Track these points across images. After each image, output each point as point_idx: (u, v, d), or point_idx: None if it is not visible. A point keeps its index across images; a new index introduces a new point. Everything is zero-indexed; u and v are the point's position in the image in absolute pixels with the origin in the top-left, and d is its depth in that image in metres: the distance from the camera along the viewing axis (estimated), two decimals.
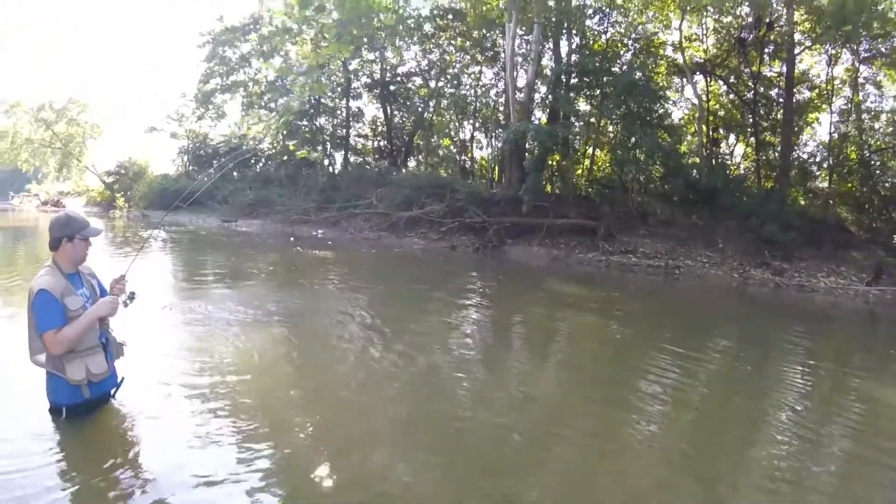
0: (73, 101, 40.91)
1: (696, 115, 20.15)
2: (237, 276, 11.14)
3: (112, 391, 3.77)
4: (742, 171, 21.26)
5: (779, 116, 19.73)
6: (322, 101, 28.48)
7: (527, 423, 4.16)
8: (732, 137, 22.32)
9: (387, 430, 3.88)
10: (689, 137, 21.03)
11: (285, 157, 29.79)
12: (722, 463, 3.72)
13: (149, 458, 3.31)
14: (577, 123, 19.90)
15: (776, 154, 20.09)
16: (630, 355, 6.17)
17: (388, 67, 28.74)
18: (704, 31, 21.11)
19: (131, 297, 3.55)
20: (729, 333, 8.08)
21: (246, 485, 3.07)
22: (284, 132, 24.36)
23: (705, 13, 19.82)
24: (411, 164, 29.43)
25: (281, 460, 3.36)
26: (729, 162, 21.68)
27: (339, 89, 28.43)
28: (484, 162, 27.75)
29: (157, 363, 4.79)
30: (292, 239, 19.56)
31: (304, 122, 28.51)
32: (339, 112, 29.31)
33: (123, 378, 3.80)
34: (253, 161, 32.31)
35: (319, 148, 29.77)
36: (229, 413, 3.94)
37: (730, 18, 19.92)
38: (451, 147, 28.49)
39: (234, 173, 31.86)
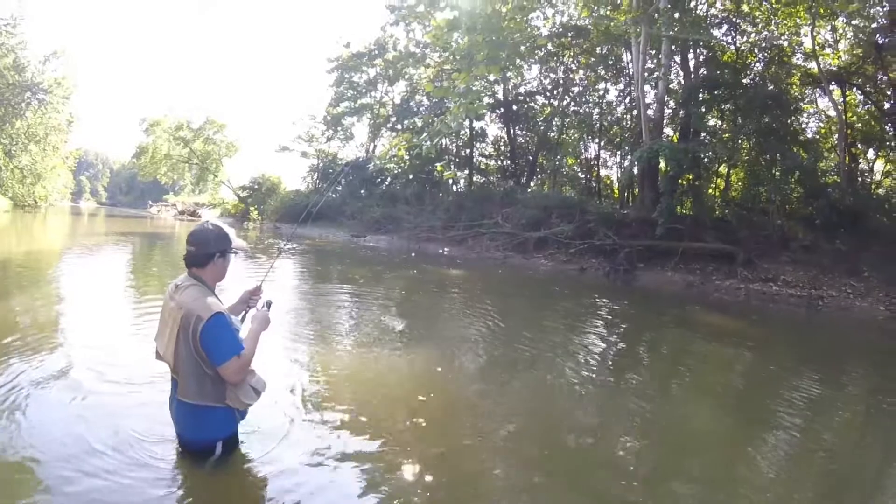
0: (209, 122, 45.33)
1: (834, 128, 19.30)
2: (364, 288, 11.62)
3: None
4: (882, 190, 19.84)
5: None
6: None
7: (648, 455, 4.03)
8: (871, 152, 20.81)
9: (505, 459, 3.83)
10: (824, 154, 19.94)
11: (410, 176, 31.13)
12: None
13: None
14: (709, 140, 19.51)
15: None
16: (761, 391, 5.89)
17: (511, 87, 29.65)
18: (835, 37, 20.16)
19: (268, 305, 3.34)
20: (869, 374, 7.42)
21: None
22: (423, 153, 25.42)
23: (837, 17, 18.82)
24: (534, 183, 29.90)
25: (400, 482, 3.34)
26: (869, 180, 20.39)
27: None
28: (609, 181, 27.82)
29: (279, 379, 4.67)
30: (413, 255, 20.69)
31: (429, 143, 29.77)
32: (462, 132, 30.28)
33: None
34: (379, 179, 34.00)
35: (453, 167, 31.03)
36: (358, 433, 3.89)
37: (862, 22, 18.56)
38: (576, 166, 28.78)
39: (362, 191, 33.89)
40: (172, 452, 3.23)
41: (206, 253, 3.02)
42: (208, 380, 2.90)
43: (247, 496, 3.08)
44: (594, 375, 5.91)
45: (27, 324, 6.14)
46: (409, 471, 3.44)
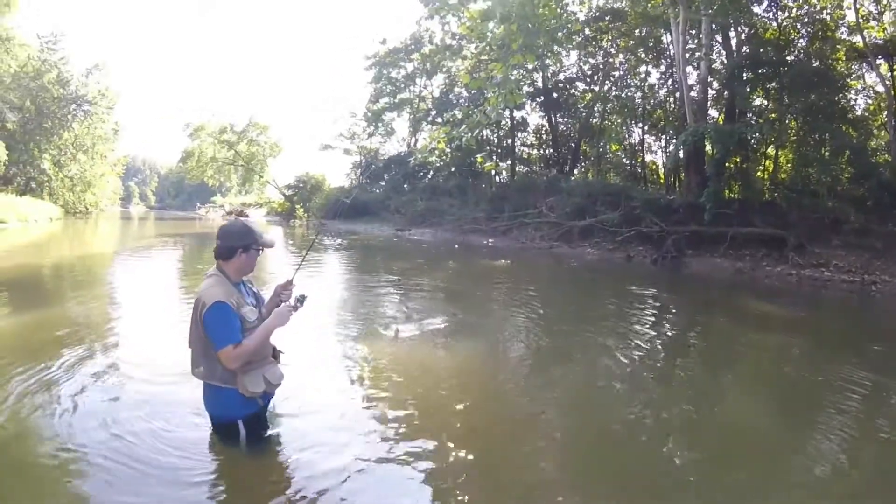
0: (252, 124, 46.37)
1: (883, 104, 18.58)
2: (408, 280, 11.89)
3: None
4: None
5: None
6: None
7: (691, 444, 4.03)
8: None
9: (543, 448, 3.89)
10: (874, 132, 19.39)
11: (452, 169, 31.34)
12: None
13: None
14: (756, 121, 19.12)
15: None
16: (813, 382, 5.78)
17: (550, 74, 29.56)
18: (879, 9, 19.26)
19: (301, 300, 3.39)
20: None
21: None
22: (464, 144, 25.58)
23: None
24: (578, 171, 29.84)
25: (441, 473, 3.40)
26: None
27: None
28: (655, 166, 27.54)
29: (312, 372, 4.90)
30: (457, 247, 21.07)
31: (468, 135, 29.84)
32: (503, 122, 30.30)
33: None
34: (422, 173, 34.32)
35: (494, 158, 31.11)
36: (400, 425, 3.99)
37: None
38: (620, 152, 28.57)
39: (405, 185, 34.27)
40: (206, 438, 3.50)
41: (229, 246, 3.21)
42: (218, 363, 3.11)
43: (277, 478, 3.25)
44: (641, 366, 5.93)
45: (80, 322, 6.59)
46: (443, 456, 3.56)
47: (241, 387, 3.18)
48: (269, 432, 3.59)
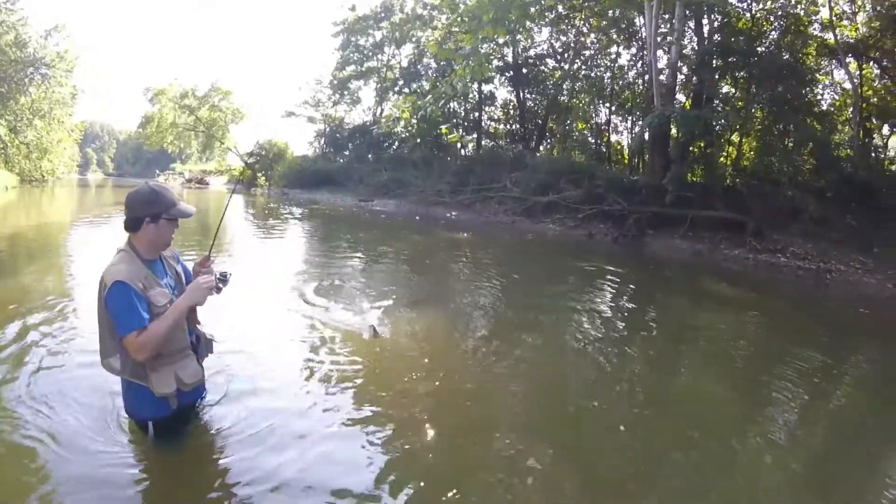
0: (214, 89, 45.22)
1: (849, 101, 19.01)
2: (370, 252, 11.92)
3: (200, 398, 3.37)
4: None
5: None
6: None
7: (648, 423, 4.06)
8: (886, 128, 20.13)
9: (502, 418, 3.93)
10: (838, 127, 19.71)
11: (418, 140, 31.07)
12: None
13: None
14: (722, 108, 19.36)
15: None
16: (765, 361, 5.92)
17: (520, 50, 29.38)
18: (854, 9, 19.73)
19: (223, 279, 3.00)
20: (869, 347, 7.35)
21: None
22: (429, 115, 25.33)
23: None
24: (543, 148, 29.84)
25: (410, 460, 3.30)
26: (883, 156, 19.90)
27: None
28: (619, 147, 27.68)
29: (259, 359, 4.53)
30: (417, 218, 21.05)
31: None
32: (470, 95, 30.09)
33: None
34: (387, 143, 33.98)
35: (460, 130, 30.95)
36: (358, 414, 3.77)
37: None
38: (586, 131, 28.62)
39: (369, 155, 33.89)
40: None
41: (135, 217, 2.82)
42: (126, 353, 2.74)
43: (205, 473, 2.98)
44: (598, 341, 6.03)
45: (33, 293, 6.38)
46: (404, 434, 3.49)
47: (151, 384, 2.81)
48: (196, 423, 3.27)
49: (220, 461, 3.05)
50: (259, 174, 41.40)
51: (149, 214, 2.78)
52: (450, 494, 2.93)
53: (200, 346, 3.15)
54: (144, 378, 2.79)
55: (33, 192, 28.49)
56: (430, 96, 25.58)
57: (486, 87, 30.35)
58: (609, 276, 10.75)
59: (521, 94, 29.94)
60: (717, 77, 19.33)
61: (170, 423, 3.00)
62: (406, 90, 33.83)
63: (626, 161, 25.98)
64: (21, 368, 4.08)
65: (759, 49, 19.12)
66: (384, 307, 6.48)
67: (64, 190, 34.17)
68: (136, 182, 56.64)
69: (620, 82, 26.03)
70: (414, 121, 30.18)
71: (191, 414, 3.24)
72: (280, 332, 5.38)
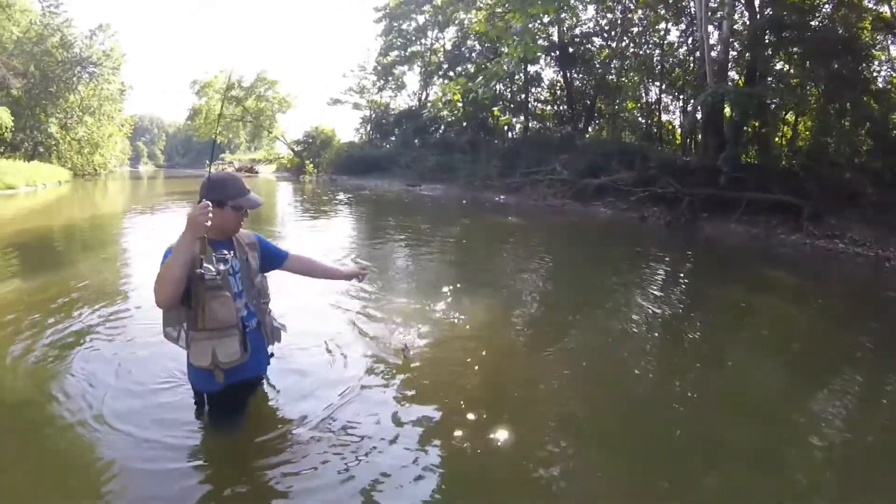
0: (260, 79, 46.13)
1: None
2: (419, 236, 12.08)
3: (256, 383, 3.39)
4: None
5: None
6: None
7: (700, 419, 3.92)
8: None
9: (549, 417, 3.79)
10: None
11: (464, 124, 31.22)
12: None
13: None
14: (776, 85, 18.79)
15: None
16: (822, 352, 5.73)
17: (566, 29, 29.10)
18: None
19: (222, 259, 2.82)
20: None
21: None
22: (479, 97, 25.42)
23: None
24: (592, 129, 29.66)
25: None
26: None
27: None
28: (671, 126, 27.15)
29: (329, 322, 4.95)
30: (464, 202, 21.27)
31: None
32: (517, 77, 30.02)
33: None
34: (433, 128, 34.21)
35: (508, 113, 30.96)
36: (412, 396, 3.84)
37: None
38: (636, 111, 28.19)
39: (416, 140, 34.19)
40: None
41: (201, 199, 2.76)
42: (182, 321, 2.87)
43: (246, 462, 2.99)
44: (649, 328, 6.01)
45: (90, 282, 6.64)
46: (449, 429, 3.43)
47: (189, 355, 2.88)
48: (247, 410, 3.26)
49: (267, 454, 3.04)
50: (307, 162, 42.24)
51: (212, 199, 2.75)
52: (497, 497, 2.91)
53: (260, 329, 3.12)
54: (188, 349, 2.87)
55: (86, 186, 29.52)
56: (480, 77, 25.58)
57: (531, 68, 30.24)
58: (662, 261, 10.72)
59: (568, 75, 29.68)
60: (769, 53, 18.72)
61: (222, 399, 3.04)
62: (451, 74, 33.92)
63: (677, 141, 25.52)
64: (72, 350, 4.35)
65: (812, 23, 18.40)
66: (430, 294, 6.47)
67: (116, 182, 35.31)
68: (187, 173, 58.27)
69: (670, 60, 25.44)
70: (460, 104, 30.28)
71: (247, 396, 3.25)
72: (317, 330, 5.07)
